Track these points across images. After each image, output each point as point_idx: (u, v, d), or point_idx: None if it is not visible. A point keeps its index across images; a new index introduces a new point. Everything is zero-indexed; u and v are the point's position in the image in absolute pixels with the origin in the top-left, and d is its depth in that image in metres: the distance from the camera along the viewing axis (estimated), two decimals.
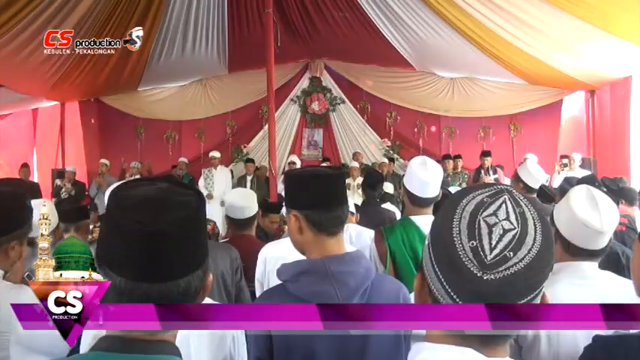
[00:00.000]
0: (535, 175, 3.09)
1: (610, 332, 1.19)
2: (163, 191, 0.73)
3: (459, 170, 7.47)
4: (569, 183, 3.42)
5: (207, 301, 1.26)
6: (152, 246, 0.67)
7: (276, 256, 1.93)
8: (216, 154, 7.92)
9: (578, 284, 1.34)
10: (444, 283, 0.61)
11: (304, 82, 9.41)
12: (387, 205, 3.90)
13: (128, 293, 0.68)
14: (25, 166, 7.17)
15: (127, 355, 0.70)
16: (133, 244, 0.68)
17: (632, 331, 1.13)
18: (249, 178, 7.80)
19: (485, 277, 0.57)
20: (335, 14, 6.95)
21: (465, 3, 5.57)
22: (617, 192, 3.67)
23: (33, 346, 1.45)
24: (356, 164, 7.81)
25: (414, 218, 2.02)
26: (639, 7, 4.60)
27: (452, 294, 0.60)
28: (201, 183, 7.59)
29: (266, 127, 7.67)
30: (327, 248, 1.19)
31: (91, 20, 5.57)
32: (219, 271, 2.09)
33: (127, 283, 0.68)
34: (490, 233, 0.59)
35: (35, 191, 2.37)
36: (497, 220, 0.60)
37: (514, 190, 0.64)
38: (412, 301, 1.28)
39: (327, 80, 9.35)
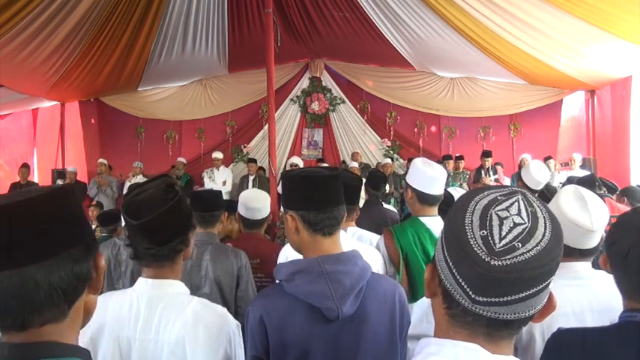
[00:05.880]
0: (536, 177, 3.15)
1: None
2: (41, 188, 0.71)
3: (460, 170, 7.47)
4: (571, 182, 3.44)
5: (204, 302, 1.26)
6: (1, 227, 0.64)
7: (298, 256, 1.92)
8: (218, 154, 8.07)
9: (573, 284, 1.34)
10: (454, 271, 0.63)
11: (304, 82, 9.42)
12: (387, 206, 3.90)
13: (3, 285, 0.64)
14: (25, 166, 7.17)
15: None
16: None
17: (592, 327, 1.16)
18: (251, 178, 7.83)
19: (492, 263, 0.58)
20: (335, 14, 6.94)
21: (464, 3, 5.56)
22: (624, 191, 3.70)
23: None
24: (356, 164, 7.82)
25: (423, 219, 2.02)
26: (639, 8, 4.60)
27: (460, 281, 0.62)
28: (206, 182, 7.78)
29: (266, 127, 7.68)
30: (322, 248, 1.19)
31: (91, 20, 5.57)
32: (217, 279, 2.06)
33: None
34: (501, 225, 0.61)
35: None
36: (509, 215, 0.61)
37: (528, 193, 0.66)
38: (412, 301, 1.29)
39: (327, 80, 9.35)
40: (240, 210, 2.48)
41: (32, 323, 0.67)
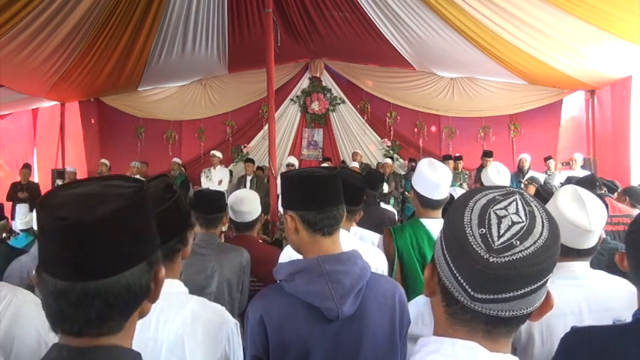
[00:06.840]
0: (494, 181, 3.21)
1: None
2: (101, 187, 0.70)
3: (460, 170, 7.48)
4: (570, 182, 3.44)
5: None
6: (78, 242, 0.63)
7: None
8: (217, 153, 8.07)
9: (571, 284, 1.34)
10: (453, 268, 0.64)
11: (304, 82, 9.42)
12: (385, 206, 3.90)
13: (65, 294, 0.65)
14: (27, 167, 7.18)
15: None
16: (60, 242, 0.64)
17: (608, 324, 1.15)
18: (248, 178, 7.83)
19: (491, 260, 0.59)
20: (335, 14, 6.95)
21: (464, 3, 5.56)
22: (626, 191, 3.70)
23: None
24: (356, 164, 7.82)
25: (424, 221, 2.02)
26: (639, 8, 4.60)
27: (459, 278, 0.63)
28: (203, 182, 7.76)
29: (266, 127, 7.69)
30: (322, 248, 1.19)
31: (91, 20, 5.58)
32: (224, 278, 2.06)
33: (62, 284, 0.65)
34: (499, 223, 0.62)
35: None
36: (507, 213, 0.63)
37: (525, 193, 0.67)
38: (407, 301, 1.29)
39: (327, 80, 9.36)
40: (230, 213, 2.42)
41: (88, 333, 0.68)
